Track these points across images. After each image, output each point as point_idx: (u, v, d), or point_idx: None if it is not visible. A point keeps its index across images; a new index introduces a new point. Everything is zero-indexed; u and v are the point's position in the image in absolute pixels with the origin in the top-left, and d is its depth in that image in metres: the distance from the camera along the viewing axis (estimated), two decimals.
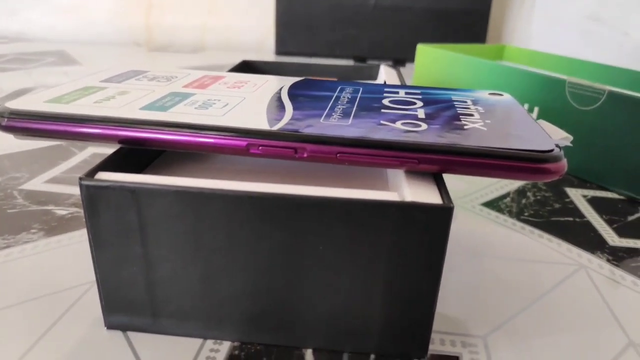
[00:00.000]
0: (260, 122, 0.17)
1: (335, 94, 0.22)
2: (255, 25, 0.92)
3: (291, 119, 0.17)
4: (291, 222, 0.15)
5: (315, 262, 0.16)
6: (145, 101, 0.19)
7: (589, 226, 0.28)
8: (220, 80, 0.23)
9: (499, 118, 0.19)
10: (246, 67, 0.36)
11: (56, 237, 0.24)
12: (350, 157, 0.16)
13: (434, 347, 0.18)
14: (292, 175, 0.20)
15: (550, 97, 0.37)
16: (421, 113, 0.19)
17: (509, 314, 0.20)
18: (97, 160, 0.34)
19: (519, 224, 0.27)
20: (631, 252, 0.25)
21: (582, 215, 0.29)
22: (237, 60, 0.80)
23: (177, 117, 0.17)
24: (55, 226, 0.25)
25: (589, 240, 0.26)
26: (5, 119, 0.17)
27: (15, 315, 0.18)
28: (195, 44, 0.94)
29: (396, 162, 0.16)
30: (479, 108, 0.20)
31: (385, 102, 0.20)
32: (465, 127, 0.17)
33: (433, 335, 0.18)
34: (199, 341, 0.17)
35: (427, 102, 0.21)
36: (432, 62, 0.50)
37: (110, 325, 0.18)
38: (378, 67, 0.36)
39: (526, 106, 0.39)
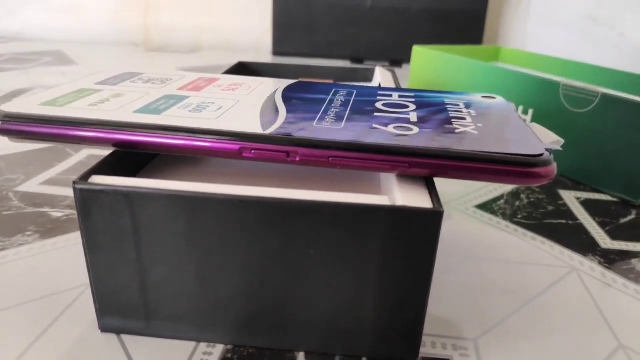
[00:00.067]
0: (253, 125, 0.17)
1: (329, 97, 0.22)
2: (252, 25, 0.93)
3: (284, 123, 0.17)
4: (283, 226, 0.15)
5: (307, 266, 0.16)
6: (140, 104, 0.19)
7: (581, 229, 0.28)
8: (215, 83, 0.23)
9: (491, 121, 0.19)
10: (242, 68, 0.36)
11: (51, 240, 0.24)
12: (342, 161, 0.16)
13: (425, 350, 0.18)
14: (286, 177, 0.20)
15: (545, 99, 0.37)
16: (413, 116, 0.19)
17: (501, 317, 0.20)
18: (93, 162, 0.34)
19: (512, 226, 0.28)
20: (623, 255, 0.25)
21: (575, 218, 0.29)
22: (234, 60, 0.80)
23: (171, 121, 0.17)
24: (50, 228, 0.25)
25: (581, 243, 0.26)
26: (0, 122, 0.17)
27: (10, 317, 0.19)
28: (193, 45, 0.94)
29: (387, 166, 0.16)
30: (471, 111, 0.20)
31: (379, 105, 0.21)
32: (457, 130, 0.18)
33: (424, 338, 0.18)
34: (192, 344, 0.17)
35: (420, 105, 0.21)
36: (428, 63, 0.50)
37: (104, 328, 0.18)
38: (374, 69, 0.36)
39: (521, 108, 0.39)
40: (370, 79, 0.36)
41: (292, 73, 0.37)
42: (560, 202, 0.31)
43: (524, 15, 0.90)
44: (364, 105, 0.20)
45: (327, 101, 0.21)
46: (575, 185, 0.34)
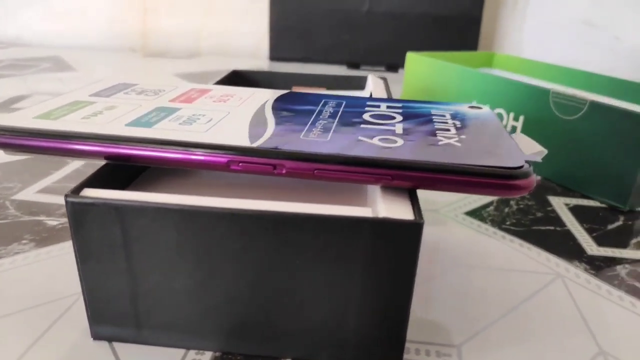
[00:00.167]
0: (241, 138, 0.18)
1: (319, 107, 0.22)
2: (250, 30, 0.93)
3: (272, 135, 0.18)
4: (268, 237, 0.16)
5: (293, 276, 0.16)
6: (132, 117, 0.19)
7: (568, 235, 0.28)
8: (207, 94, 0.24)
9: (474, 133, 0.19)
10: (236, 77, 0.36)
11: (47, 248, 0.24)
12: (327, 173, 0.16)
13: (409, 357, 0.18)
14: (276, 188, 0.20)
15: (535, 106, 0.37)
16: (399, 128, 0.20)
17: (484, 324, 0.20)
18: (90, 170, 0.35)
19: (500, 233, 0.28)
20: (608, 261, 0.26)
21: (563, 224, 0.30)
22: (231, 66, 0.80)
23: (161, 134, 0.18)
24: (46, 237, 0.26)
25: (567, 249, 0.27)
26: None
27: (4, 326, 0.19)
28: (191, 50, 0.94)
29: (371, 178, 0.16)
30: (457, 122, 0.21)
31: (366, 116, 0.21)
32: (440, 142, 0.18)
33: (409, 345, 0.19)
34: (182, 351, 0.18)
35: (406, 117, 0.21)
36: (421, 70, 0.50)
37: (96, 336, 0.18)
38: (366, 77, 0.37)
39: (512, 115, 0.40)
40: (362, 87, 0.37)
41: (285, 81, 0.37)
42: (549, 209, 0.32)
43: (520, 20, 0.91)
44: (352, 116, 0.21)
45: (316, 112, 0.21)
46: (565, 191, 0.35)
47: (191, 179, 0.21)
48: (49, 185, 0.32)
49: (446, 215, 0.30)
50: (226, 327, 0.17)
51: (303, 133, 0.18)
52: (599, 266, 0.25)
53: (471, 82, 0.44)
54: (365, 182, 0.16)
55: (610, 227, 0.30)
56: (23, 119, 0.19)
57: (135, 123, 0.19)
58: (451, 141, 0.18)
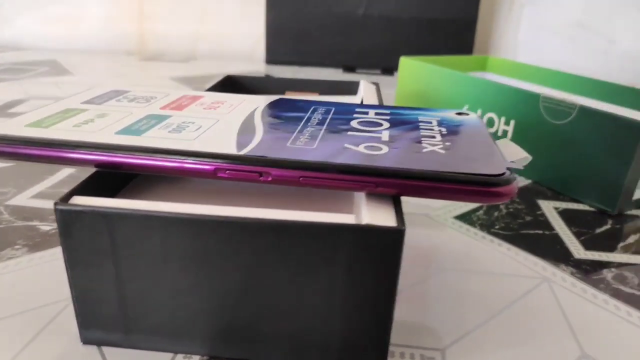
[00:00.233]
0: (229, 146, 0.18)
1: (307, 114, 0.22)
2: (246, 34, 0.94)
3: (259, 143, 0.18)
4: (253, 244, 0.16)
5: (278, 281, 0.17)
6: (122, 124, 0.20)
7: (557, 239, 0.29)
8: (198, 101, 0.24)
9: (459, 140, 0.20)
10: (229, 82, 0.37)
11: (39, 253, 0.25)
12: (312, 180, 0.17)
13: None
14: (264, 195, 0.20)
15: (525, 110, 0.38)
16: (385, 135, 0.20)
17: (469, 327, 0.21)
18: (83, 176, 0.35)
19: (489, 237, 0.28)
20: (595, 265, 0.26)
21: (551, 228, 0.30)
22: (227, 69, 0.81)
23: (150, 142, 0.18)
24: (39, 242, 0.26)
25: (555, 253, 0.27)
26: None
27: None
28: (187, 53, 0.95)
29: (356, 185, 0.17)
30: (442, 129, 0.21)
31: (354, 123, 0.21)
32: (424, 150, 0.18)
33: (393, 348, 0.19)
34: (169, 355, 0.18)
35: (393, 124, 0.22)
36: (414, 74, 0.51)
37: (85, 341, 0.19)
38: (358, 82, 0.37)
39: (503, 120, 0.40)
40: (355, 92, 0.37)
41: (278, 86, 0.37)
42: (539, 212, 0.32)
43: (514, 23, 0.91)
44: (340, 123, 0.21)
45: (305, 119, 0.22)
46: (555, 195, 0.35)
47: (181, 186, 0.21)
48: (42, 190, 0.32)
49: (436, 219, 0.30)
50: (213, 331, 0.18)
51: (290, 140, 0.19)
52: (585, 270, 0.26)
53: (463, 87, 0.44)
54: (350, 189, 0.17)
55: (598, 230, 0.30)
56: (14, 127, 0.19)
57: (125, 131, 0.19)
58: (435, 148, 0.19)
